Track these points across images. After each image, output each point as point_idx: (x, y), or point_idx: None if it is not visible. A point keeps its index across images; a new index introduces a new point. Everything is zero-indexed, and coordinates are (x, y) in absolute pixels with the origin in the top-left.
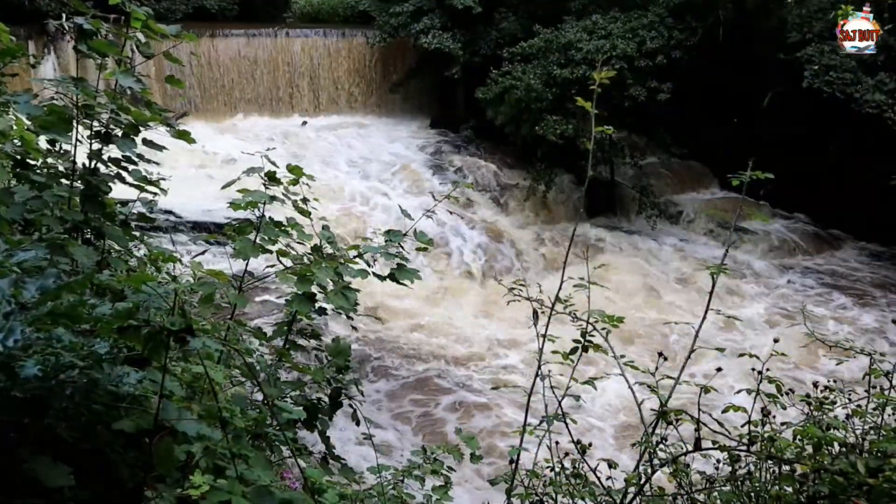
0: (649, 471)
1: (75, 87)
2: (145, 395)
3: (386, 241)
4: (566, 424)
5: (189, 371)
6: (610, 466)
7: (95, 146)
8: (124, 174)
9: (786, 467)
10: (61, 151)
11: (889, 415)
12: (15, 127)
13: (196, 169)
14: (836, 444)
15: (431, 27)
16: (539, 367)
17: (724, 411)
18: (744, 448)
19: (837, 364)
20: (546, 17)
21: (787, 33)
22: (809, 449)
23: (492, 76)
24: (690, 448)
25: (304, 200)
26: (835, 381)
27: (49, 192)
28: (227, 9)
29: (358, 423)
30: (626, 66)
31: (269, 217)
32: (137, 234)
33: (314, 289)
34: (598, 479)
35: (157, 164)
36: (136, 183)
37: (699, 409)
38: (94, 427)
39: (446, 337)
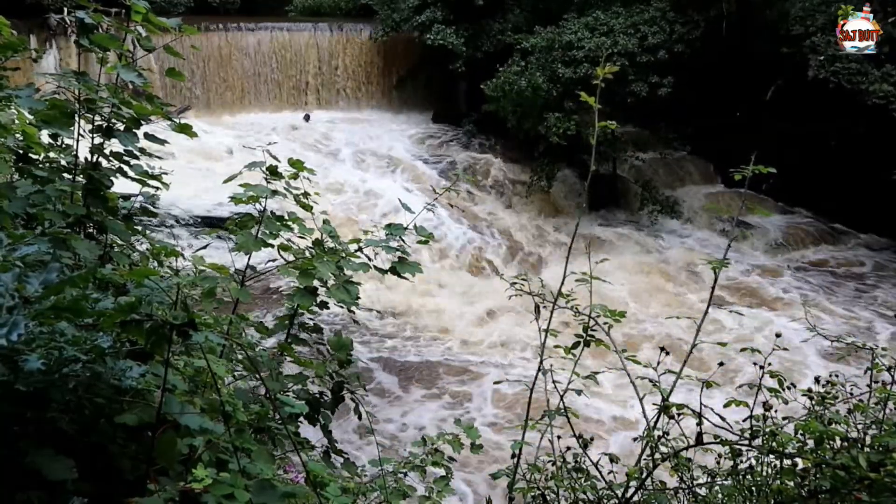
0: (651, 465)
1: (77, 82)
2: (148, 388)
3: (387, 235)
4: (568, 419)
5: (191, 365)
6: (611, 461)
7: (97, 140)
8: (126, 168)
9: (787, 462)
10: (63, 146)
11: (890, 409)
12: (17, 121)
13: (197, 163)
14: (837, 438)
15: (434, 20)
16: (541, 362)
17: (725, 405)
18: (745, 442)
19: (839, 359)
20: (549, 11)
21: (789, 26)
22: (811, 443)
23: (499, 71)
24: (692, 442)
25: (306, 194)
26: (836, 376)
27: (51, 186)
28: (228, 3)
29: (360, 417)
30: (627, 63)
31: (271, 211)
32: (139, 228)
33: (315, 283)
34: (600, 472)
35: (160, 157)
36: (137, 177)
37: (700, 404)
38: (97, 420)
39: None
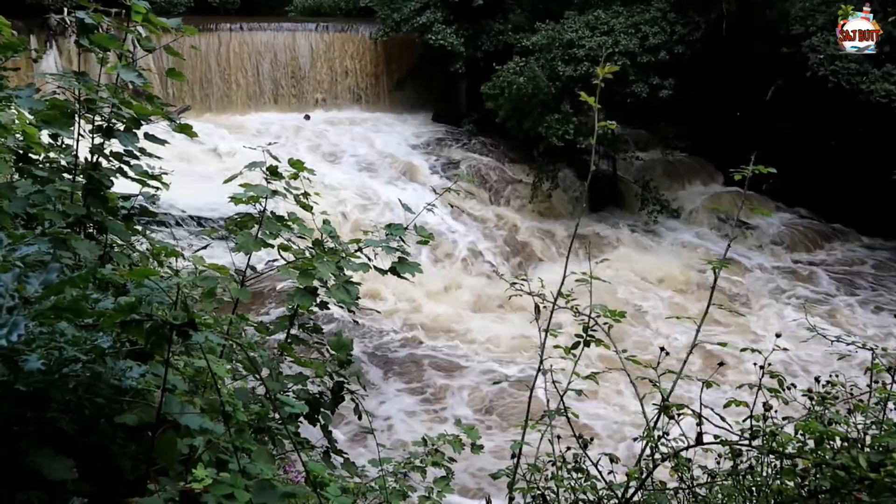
0: (651, 465)
1: (77, 82)
2: (148, 388)
3: (387, 235)
4: (568, 419)
5: (191, 365)
6: (612, 461)
7: (97, 140)
8: (126, 168)
9: (787, 462)
10: (63, 146)
11: (891, 410)
12: (17, 121)
13: (197, 163)
14: (837, 438)
15: (434, 21)
16: (541, 362)
17: (725, 406)
18: (745, 443)
19: (839, 359)
20: (549, 11)
21: (789, 26)
22: (811, 444)
23: (499, 69)
24: (692, 442)
25: (306, 195)
26: (836, 376)
27: (51, 186)
28: (228, 3)
29: (360, 417)
30: (628, 63)
31: (271, 211)
32: (139, 228)
33: (315, 283)
34: (600, 473)
35: (160, 157)
36: (137, 177)
37: (701, 404)
38: (97, 420)
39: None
